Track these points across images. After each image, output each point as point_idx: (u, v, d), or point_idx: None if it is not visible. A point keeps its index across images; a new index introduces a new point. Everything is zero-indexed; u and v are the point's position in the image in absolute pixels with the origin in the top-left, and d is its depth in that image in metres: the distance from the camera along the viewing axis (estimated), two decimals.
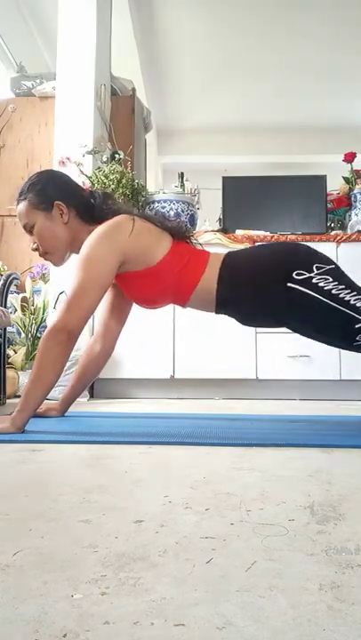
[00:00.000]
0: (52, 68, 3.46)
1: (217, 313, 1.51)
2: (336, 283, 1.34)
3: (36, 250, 1.53)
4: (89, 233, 1.42)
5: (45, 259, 1.56)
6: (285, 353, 2.61)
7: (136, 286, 1.47)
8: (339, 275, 1.37)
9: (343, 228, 3.01)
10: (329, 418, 1.80)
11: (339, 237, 2.70)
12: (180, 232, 1.52)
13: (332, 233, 2.78)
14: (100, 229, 1.41)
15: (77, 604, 0.44)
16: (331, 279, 1.35)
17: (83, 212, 1.51)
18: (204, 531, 0.61)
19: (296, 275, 1.35)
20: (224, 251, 2.67)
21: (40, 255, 1.55)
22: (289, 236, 2.73)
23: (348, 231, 2.83)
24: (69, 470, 0.92)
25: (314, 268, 1.36)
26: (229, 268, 1.44)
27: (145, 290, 1.47)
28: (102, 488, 0.80)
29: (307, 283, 1.34)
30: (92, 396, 2.69)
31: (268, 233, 2.76)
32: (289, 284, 1.35)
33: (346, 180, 3.06)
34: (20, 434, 1.27)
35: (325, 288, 1.33)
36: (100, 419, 1.69)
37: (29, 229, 1.51)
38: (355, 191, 2.92)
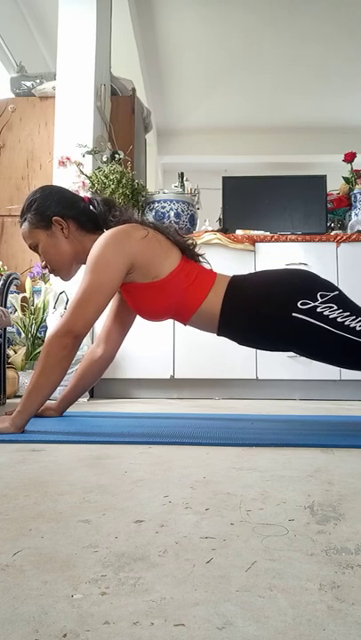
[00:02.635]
0: (52, 67, 3.47)
1: (218, 335, 1.51)
2: (341, 310, 1.33)
3: (45, 267, 1.54)
4: (94, 242, 1.41)
5: (55, 275, 1.57)
6: (285, 353, 2.61)
7: (141, 298, 1.46)
8: (343, 301, 1.36)
9: (343, 228, 3.01)
10: (329, 418, 1.80)
11: (339, 237, 2.70)
12: (190, 249, 1.51)
13: (333, 233, 2.78)
14: (109, 233, 1.39)
15: (77, 604, 0.44)
16: (335, 307, 1.33)
17: (84, 222, 1.50)
18: (204, 531, 0.61)
19: (301, 304, 1.34)
20: (224, 251, 2.70)
21: (50, 272, 1.56)
22: (289, 236, 2.73)
23: (348, 231, 2.83)
24: (69, 470, 0.92)
25: (318, 296, 1.34)
26: (234, 295, 1.42)
27: (149, 303, 1.46)
28: (102, 488, 0.80)
29: (312, 312, 1.33)
30: (92, 396, 2.70)
31: (268, 233, 2.76)
32: (294, 314, 1.34)
33: (346, 180, 3.07)
34: (19, 434, 1.27)
35: (330, 317, 1.32)
36: (100, 419, 1.68)
37: (35, 249, 1.51)
38: (355, 191, 2.92)
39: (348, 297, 1.40)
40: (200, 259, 1.53)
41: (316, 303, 1.34)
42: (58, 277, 1.58)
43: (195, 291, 1.43)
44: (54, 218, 1.46)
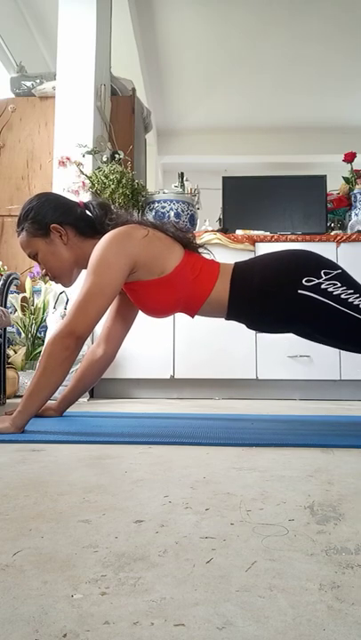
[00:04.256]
0: (52, 67, 3.47)
1: (227, 319, 1.53)
2: (345, 287, 1.36)
3: (45, 275, 1.54)
4: (93, 247, 1.41)
5: (56, 282, 1.57)
6: (285, 353, 2.61)
7: (148, 296, 1.46)
8: (346, 279, 1.39)
9: (343, 228, 3.01)
10: (329, 418, 1.80)
11: (339, 237, 2.70)
12: (191, 243, 1.52)
13: (333, 233, 2.78)
14: (110, 235, 1.39)
15: (77, 604, 0.44)
16: (339, 284, 1.36)
17: (83, 227, 1.49)
18: (204, 531, 0.61)
19: (306, 281, 1.37)
20: (224, 251, 2.70)
21: (50, 280, 1.56)
22: (289, 236, 2.73)
23: (348, 231, 2.83)
24: (69, 470, 0.92)
25: (322, 273, 1.38)
26: (240, 279, 1.45)
27: (158, 299, 1.46)
28: (102, 488, 0.80)
29: (316, 289, 1.36)
30: (92, 396, 2.70)
31: (268, 233, 2.76)
32: (300, 291, 1.37)
33: (346, 180, 3.07)
34: (19, 434, 1.27)
35: (334, 293, 1.35)
36: (100, 419, 1.68)
37: (34, 257, 1.51)
38: (355, 191, 2.92)
39: (350, 275, 1.42)
40: (201, 250, 1.55)
41: (321, 280, 1.37)
42: (59, 284, 1.58)
43: (202, 282, 1.45)
44: (52, 225, 1.46)
